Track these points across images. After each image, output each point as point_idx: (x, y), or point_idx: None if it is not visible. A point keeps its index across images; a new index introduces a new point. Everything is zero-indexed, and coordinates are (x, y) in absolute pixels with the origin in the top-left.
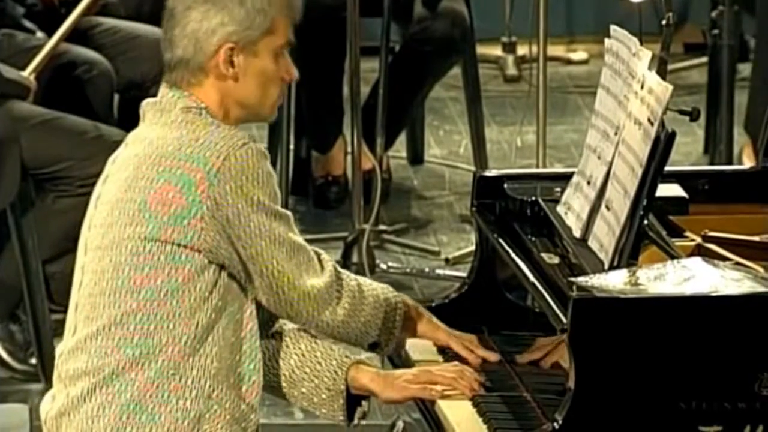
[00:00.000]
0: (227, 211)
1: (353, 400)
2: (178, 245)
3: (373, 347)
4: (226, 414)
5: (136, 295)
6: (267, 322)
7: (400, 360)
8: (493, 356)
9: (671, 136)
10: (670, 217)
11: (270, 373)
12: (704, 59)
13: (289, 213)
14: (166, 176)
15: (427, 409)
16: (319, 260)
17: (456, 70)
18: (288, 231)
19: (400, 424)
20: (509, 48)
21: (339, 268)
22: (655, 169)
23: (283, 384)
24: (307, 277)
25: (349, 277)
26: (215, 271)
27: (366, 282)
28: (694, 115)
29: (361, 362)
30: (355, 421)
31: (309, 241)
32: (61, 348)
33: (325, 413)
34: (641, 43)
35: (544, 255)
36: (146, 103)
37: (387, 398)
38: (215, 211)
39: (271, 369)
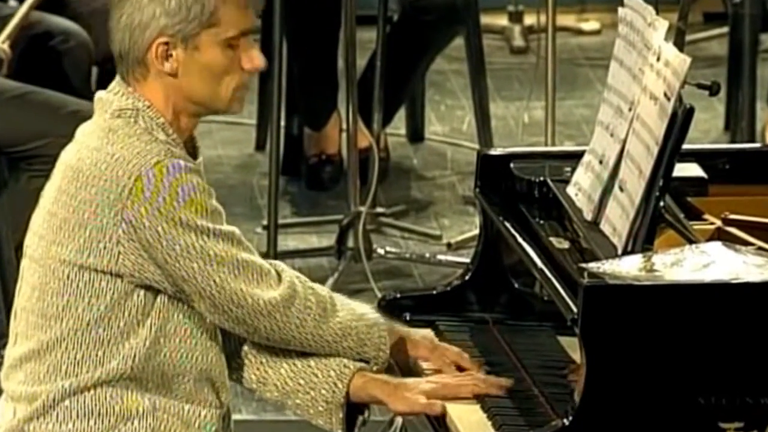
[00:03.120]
0: (146, 234)
1: (352, 407)
2: (96, 271)
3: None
4: (177, 420)
5: (60, 323)
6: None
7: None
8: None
9: (689, 112)
10: (688, 199)
11: (259, 382)
12: (725, 29)
13: (232, 229)
14: (82, 194)
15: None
16: (277, 272)
17: (459, 41)
18: (230, 248)
19: (398, 421)
20: (516, 17)
21: (304, 278)
22: (671, 148)
23: (275, 394)
24: (259, 292)
25: (318, 287)
26: (146, 294)
27: (339, 296)
28: (713, 89)
29: (363, 369)
30: None
31: (302, 224)
32: (6, 355)
33: (322, 424)
34: (657, 13)
35: (552, 239)
36: (97, 95)
37: (397, 411)
38: (132, 234)
39: (260, 378)
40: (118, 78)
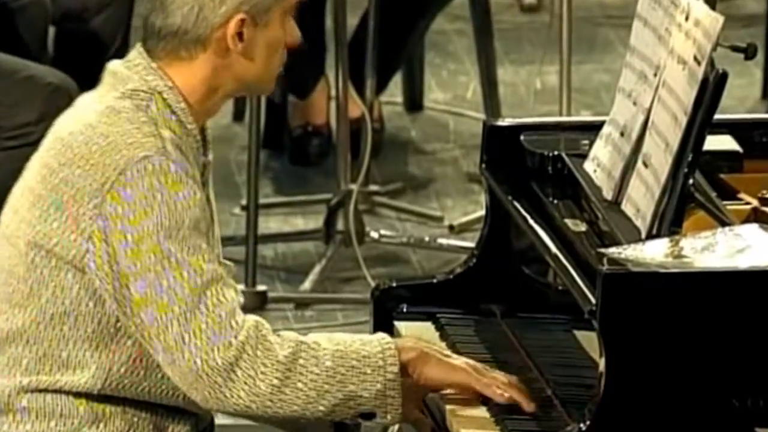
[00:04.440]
0: (113, 239)
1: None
2: (62, 260)
3: (366, 417)
4: (149, 425)
5: (23, 312)
6: None
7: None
8: (527, 404)
9: (722, 78)
10: (721, 176)
11: None
12: None
13: (201, 265)
14: (65, 172)
15: (426, 405)
16: (235, 318)
17: None
18: (189, 284)
19: (395, 425)
20: None
21: (267, 329)
22: (702, 118)
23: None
24: (201, 347)
25: (288, 335)
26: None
27: (329, 338)
28: (749, 52)
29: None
30: None
31: (286, 204)
32: None
33: None
34: None
35: (568, 221)
36: (110, 66)
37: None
38: (105, 234)
39: None
40: (140, 50)
